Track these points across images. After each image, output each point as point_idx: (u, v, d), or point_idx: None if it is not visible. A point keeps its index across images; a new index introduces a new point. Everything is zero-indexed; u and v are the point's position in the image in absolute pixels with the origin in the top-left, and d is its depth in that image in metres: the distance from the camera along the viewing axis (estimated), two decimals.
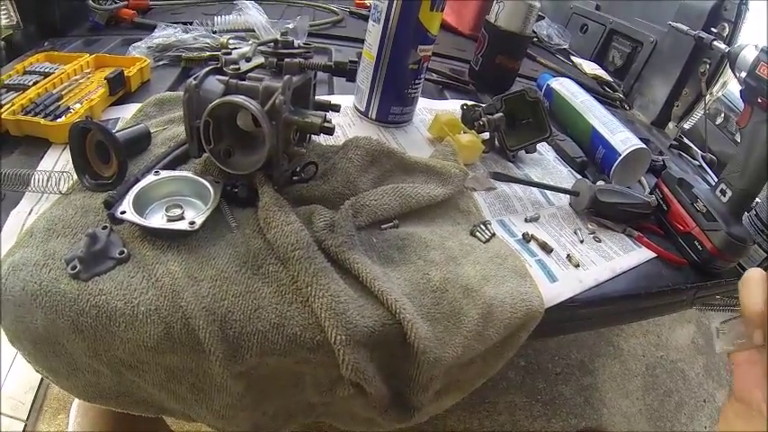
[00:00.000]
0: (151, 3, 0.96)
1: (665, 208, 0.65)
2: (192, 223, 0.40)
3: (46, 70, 0.63)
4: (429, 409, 0.46)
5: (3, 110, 0.53)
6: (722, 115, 1.41)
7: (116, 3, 0.86)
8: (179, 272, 0.38)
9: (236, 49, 0.55)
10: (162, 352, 0.37)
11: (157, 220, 0.42)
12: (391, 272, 0.43)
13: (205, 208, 0.43)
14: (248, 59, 0.42)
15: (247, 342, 0.37)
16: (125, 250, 0.40)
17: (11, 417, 0.98)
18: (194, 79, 0.43)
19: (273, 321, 0.37)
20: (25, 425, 0.97)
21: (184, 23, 0.82)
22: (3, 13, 0.73)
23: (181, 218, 0.42)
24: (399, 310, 0.38)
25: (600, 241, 0.59)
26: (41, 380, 1.04)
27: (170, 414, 0.46)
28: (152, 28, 0.79)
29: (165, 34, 0.75)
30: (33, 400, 1.01)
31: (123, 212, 0.41)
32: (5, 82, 0.60)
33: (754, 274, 0.33)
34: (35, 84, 0.59)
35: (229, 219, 0.43)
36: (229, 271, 0.39)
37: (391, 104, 0.66)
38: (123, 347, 0.37)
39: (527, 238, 0.54)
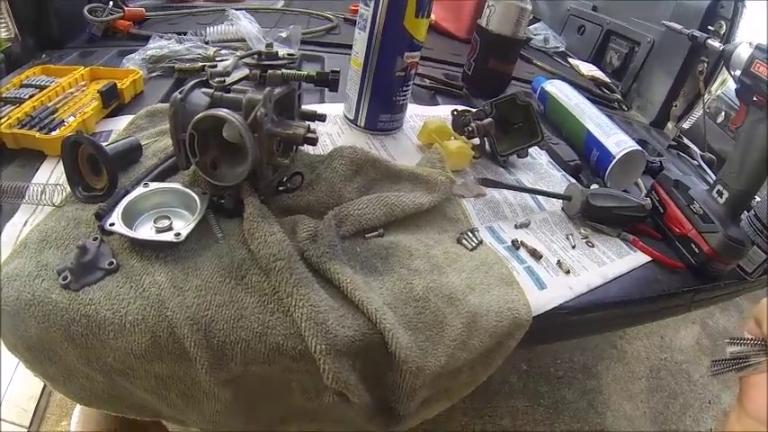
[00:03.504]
0: (147, 13, 0.97)
1: (662, 210, 0.64)
2: (177, 235, 0.41)
3: (42, 83, 0.64)
4: (417, 416, 0.46)
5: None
6: (723, 113, 1.40)
7: (112, 14, 0.87)
8: (165, 282, 0.39)
9: (222, 61, 0.56)
10: (150, 360, 0.38)
11: (146, 231, 0.43)
12: (374, 281, 0.43)
13: (193, 219, 0.44)
14: (228, 74, 0.42)
15: (231, 350, 0.38)
16: (114, 261, 0.41)
17: (14, 424, 0.99)
18: (180, 93, 0.43)
19: (256, 330, 0.38)
20: None
21: (179, 34, 0.83)
22: (2, 25, 0.75)
23: (169, 229, 0.43)
24: (380, 320, 0.39)
25: (593, 246, 0.58)
26: (44, 388, 1.05)
27: (165, 418, 0.47)
28: (147, 39, 0.81)
29: (159, 45, 0.77)
30: (36, 408, 1.02)
31: (112, 224, 0.42)
32: (3, 95, 0.61)
33: None
34: (31, 97, 0.60)
35: (215, 230, 0.44)
36: (214, 281, 0.40)
37: (380, 112, 0.66)
38: (113, 355, 0.38)
39: (516, 245, 0.54)
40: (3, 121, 0.55)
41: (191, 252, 0.42)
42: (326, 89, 0.49)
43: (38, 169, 0.53)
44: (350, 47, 0.92)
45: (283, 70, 0.44)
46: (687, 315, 1.50)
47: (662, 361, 1.39)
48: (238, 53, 0.65)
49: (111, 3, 0.90)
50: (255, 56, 0.45)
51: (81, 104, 0.63)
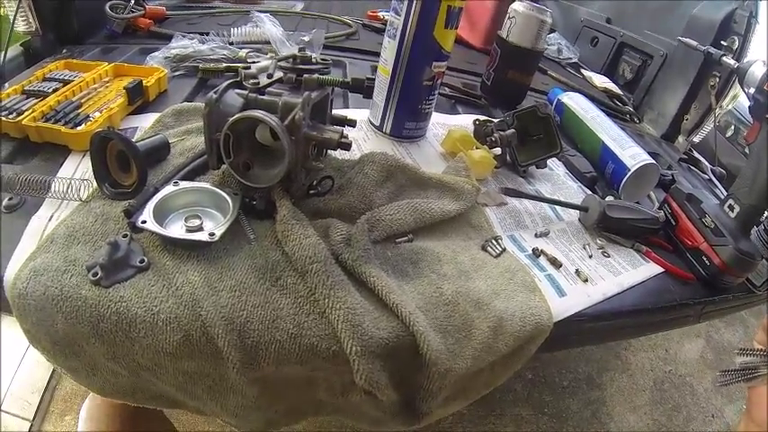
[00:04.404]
0: (168, 12, 0.98)
1: (674, 223, 0.65)
2: (211, 234, 0.41)
3: (65, 78, 0.64)
4: (435, 413, 0.47)
5: (24, 116, 0.55)
6: (732, 127, 1.41)
7: (133, 12, 0.88)
8: (198, 281, 0.39)
9: (254, 62, 0.57)
10: (180, 357, 0.38)
11: (176, 229, 0.43)
12: (405, 285, 0.44)
13: (223, 219, 0.44)
14: (270, 76, 0.43)
15: (265, 351, 0.38)
16: (145, 259, 0.41)
17: (17, 416, 0.99)
18: (214, 93, 0.44)
19: (291, 332, 0.38)
20: (31, 425, 0.98)
21: (201, 34, 0.83)
22: (22, 19, 0.75)
23: (200, 228, 0.43)
24: (413, 323, 0.39)
25: (608, 256, 0.59)
26: (48, 381, 1.05)
27: (183, 408, 0.47)
28: (168, 37, 0.81)
29: (182, 45, 0.77)
30: (40, 401, 1.02)
31: (144, 222, 0.42)
32: (26, 88, 0.61)
33: None
34: (55, 91, 0.61)
35: (248, 230, 0.44)
36: (248, 282, 0.40)
37: (405, 120, 0.66)
38: (142, 352, 0.38)
39: (537, 253, 0.55)
40: (27, 113, 0.55)
41: (223, 252, 0.42)
42: (351, 93, 0.49)
43: (62, 164, 0.53)
44: (370, 53, 0.93)
45: (318, 75, 0.45)
46: (692, 328, 1.50)
47: (666, 373, 1.39)
48: (268, 56, 0.66)
49: (132, 0, 0.90)
50: (290, 59, 0.46)
51: (106, 100, 0.63)
